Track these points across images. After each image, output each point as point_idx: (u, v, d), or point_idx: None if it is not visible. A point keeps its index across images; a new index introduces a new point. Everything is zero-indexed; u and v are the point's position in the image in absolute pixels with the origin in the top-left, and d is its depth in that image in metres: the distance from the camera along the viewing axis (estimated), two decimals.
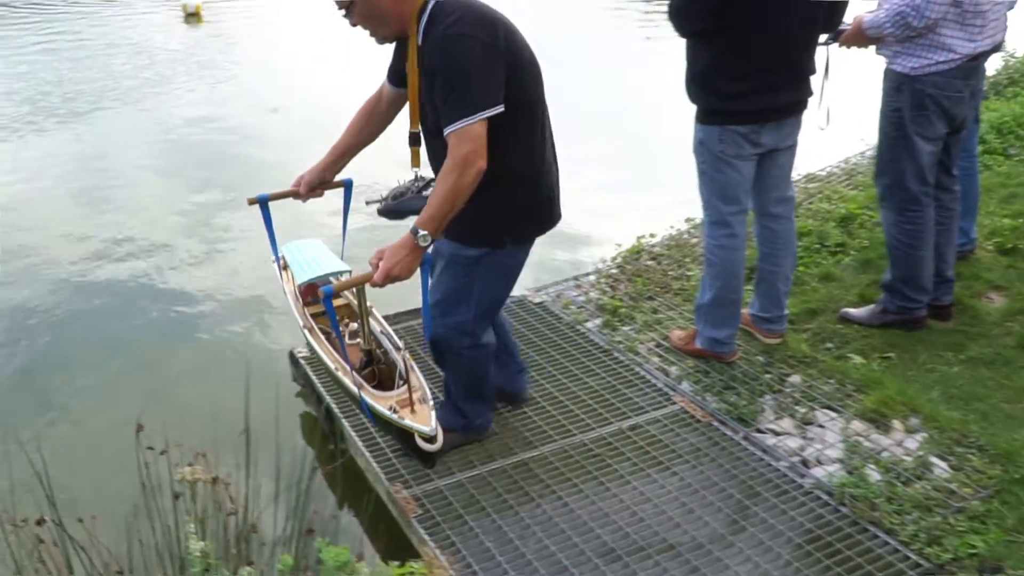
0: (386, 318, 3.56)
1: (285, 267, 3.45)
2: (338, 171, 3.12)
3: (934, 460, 3.15)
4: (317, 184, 3.11)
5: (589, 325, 4.30)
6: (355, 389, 2.88)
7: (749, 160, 3.53)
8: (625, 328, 4.24)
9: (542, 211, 2.93)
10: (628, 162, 7.58)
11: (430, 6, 2.64)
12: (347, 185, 3.19)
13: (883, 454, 3.20)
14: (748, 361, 3.82)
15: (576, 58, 11.98)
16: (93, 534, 1.91)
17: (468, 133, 2.51)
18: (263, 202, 3.17)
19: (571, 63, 11.68)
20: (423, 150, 2.87)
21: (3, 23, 16.02)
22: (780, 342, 3.92)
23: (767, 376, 3.71)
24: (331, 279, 3.23)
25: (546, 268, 5.52)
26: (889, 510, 2.91)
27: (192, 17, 15.94)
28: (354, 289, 3.02)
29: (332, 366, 3.02)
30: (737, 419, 3.45)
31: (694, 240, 5.20)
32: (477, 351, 3.08)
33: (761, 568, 2.71)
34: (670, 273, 4.80)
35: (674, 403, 3.59)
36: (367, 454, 3.37)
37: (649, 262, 4.99)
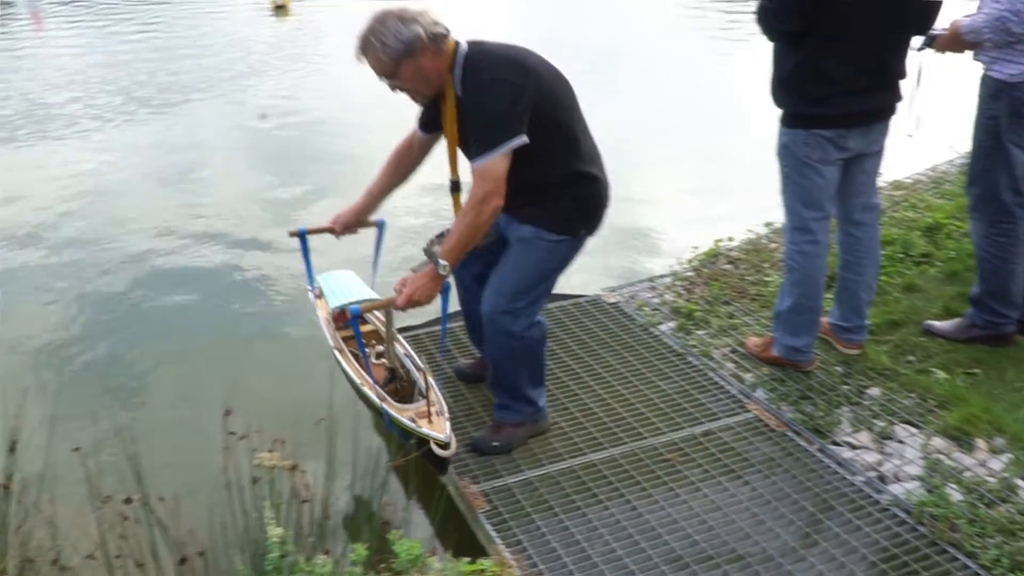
0: (415, 328, 3.98)
1: (320, 295, 3.66)
2: (372, 212, 3.38)
3: (1020, 483, 3.03)
4: (352, 224, 3.37)
5: (663, 328, 4.25)
6: (378, 401, 3.04)
7: (834, 165, 3.45)
8: (700, 332, 4.18)
9: (604, 207, 3.13)
10: (707, 164, 7.48)
11: (460, 59, 2.86)
12: (380, 225, 3.47)
13: (965, 474, 3.09)
14: (826, 371, 3.73)
15: (658, 59, 11.88)
16: (175, 514, 1.95)
17: (489, 171, 2.75)
18: (302, 235, 3.44)
19: (653, 64, 11.60)
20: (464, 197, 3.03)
21: (104, 16, 16.56)
22: (860, 353, 3.82)
23: (845, 387, 3.62)
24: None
25: (622, 268, 5.49)
26: (970, 532, 2.81)
27: (280, 10, 16.25)
28: (381, 314, 3.28)
29: (358, 381, 3.18)
30: (812, 430, 3.37)
31: (773, 245, 5.10)
32: (537, 328, 3.20)
33: None
34: (747, 278, 4.71)
35: (748, 411, 3.52)
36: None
37: (726, 266, 4.91)
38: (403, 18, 2.79)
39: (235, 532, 1.91)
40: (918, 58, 3.53)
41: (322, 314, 3.57)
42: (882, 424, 3.37)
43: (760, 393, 3.64)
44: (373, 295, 3.42)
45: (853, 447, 3.28)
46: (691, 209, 6.40)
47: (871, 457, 3.22)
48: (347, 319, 3.24)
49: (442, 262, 2.81)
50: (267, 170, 7.70)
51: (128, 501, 1.82)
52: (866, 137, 3.42)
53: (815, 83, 3.31)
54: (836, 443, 3.31)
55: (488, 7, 16.86)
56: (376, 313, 3.48)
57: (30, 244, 6.23)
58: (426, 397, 3.01)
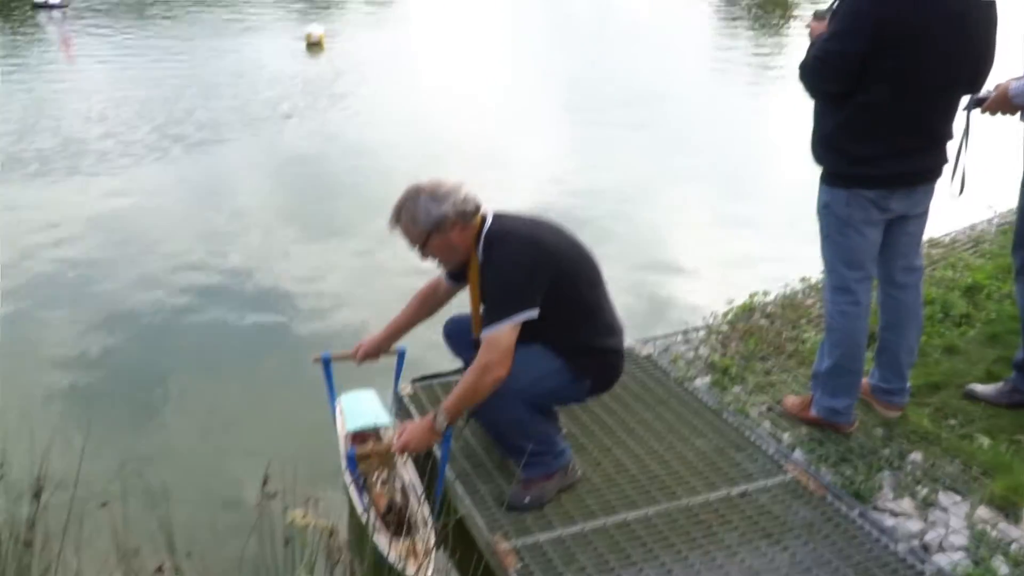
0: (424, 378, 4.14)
1: (341, 412, 3.74)
2: (393, 343, 3.54)
3: None
4: (373, 353, 3.52)
5: (698, 383, 4.19)
6: (371, 530, 3.00)
7: (876, 226, 3.40)
8: (735, 389, 4.12)
9: (617, 377, 3.34)
10: (743, 216, 7.45)
11: (484, 232, 3.02)
12: (400, 353, 3.62)
13: (1012, 545, 3.01)
14: (866, 433, 3.66)
15: (695, 105, 11.89)
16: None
17: (496, 340, 2.87)
18: (326, 361, 3.59)
19: (691, 110, 11.60)
20: None
21: (134, 47, 16.79)
22: (900, 416, 3.75)
23: (886, 451, 3.54)
24: (368, 432, 3.54)
25: (655, 318, 5.45)
26: None
27: (314, 47, 16.46)
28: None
29: (359, 508, 3.19)
30: (853, 494, 3.29)
31: (809, 301, 5.05)
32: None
33: None
34: (784, 334, 4.65)
35: (786, 472, 3.45)
36: (468, 502, 3.33)
37: (762, 321, 4.86)
38: (435, 196, 2.96)
39: None
40: (964, 117, 3.49)
41: (340, 432, 3.64)
42: (925, 491, 3.30)
43: (798, 454, 3.57)
44: (386, 420, 3.54)
45: (895, 514, 3.20)
46: (725, 261, 6.36)
47: (914, 525, 3.14)
48: (362, 440, 3.46)
49: (440, 417, 2.95)
50: (301, 210, 7.75)
51: (160, 570, 1.78)
52: (910, 199, 3.38)
53: (858, 143, 3.28)
54: (877, 509, 3.24)
55: (529, 48, 16.97)
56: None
57: (61, 280, 6.28)
58: (418, 531, 3.01)
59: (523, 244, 2.97)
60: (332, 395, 3.74)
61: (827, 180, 3.44)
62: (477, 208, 3.04)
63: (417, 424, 3.04)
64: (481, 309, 3.09)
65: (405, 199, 3.01)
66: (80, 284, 6.24)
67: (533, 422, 3.17)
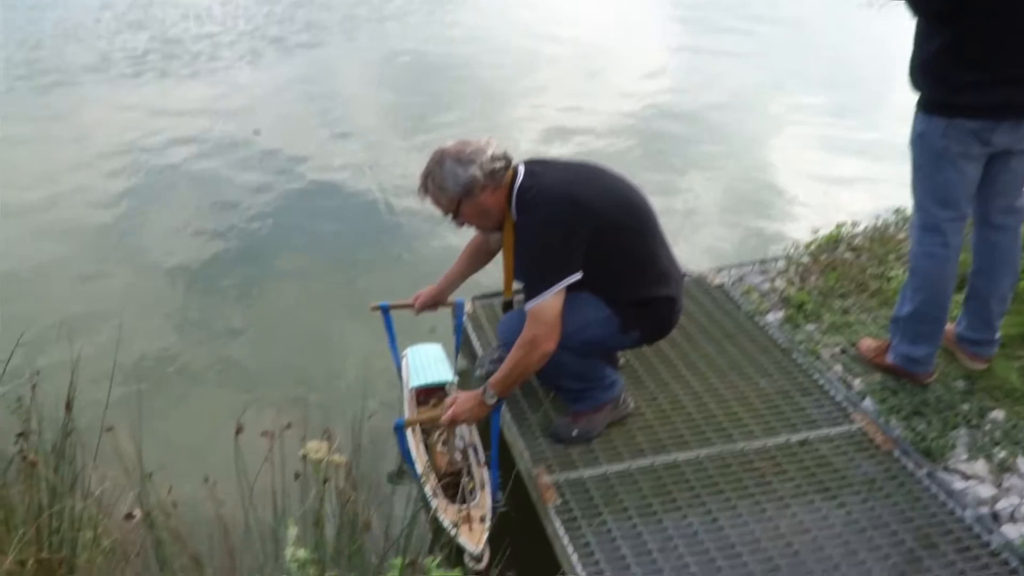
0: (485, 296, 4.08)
1: (407, 367, 3.70)
2: (450, 294, 3.48)
3: None
4: (431, 304, 3.46)
5: (770, 318, 3.98)
6: (429, 493, 2.96)
7: (976, 161, 3.09)
8: (809, 327, 3.90)
9: (671, 326, 3.14)
10: (837, 142, 7.05)
11: (516, 188, 2.83)
12: (458, 305, 3.59)
13: None
14: (945, 385, 3.41)
15: (797, 19, 11.32)
16: (218, 503, 1.84)
17: (541, 313, 2.73)
18: (384, 310, 3.54)
19: (795, 24, 11.04)
20: None
21: None
22: (986, 368, 3.48)
23: (965, 406, 3.29)
24: (434, 388, 3.54)
25: (731, 246, 5.23)
26: None
27: None
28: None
29: (419, 468, 3.12)
30: (923, 452, 3.07)
31: (901, 236, 4.72)
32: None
33: None
34: (868, 270, 4.37)
35: (852, 422, 3.25)
36: (515, 430, 3.24)
37: (847, 254, 4.58)
38: (460, 158, 2.79)
39: (260, 537, 1.80)
40: None
41: (404, 387, 3.60)
42: (1003, 454, 3.06)
43: (868, 403, 3.35)
44: (449, 376, 3.50)
45: (966, 477, 2.98)
46: (814, 188, 6.03)
47: (986, 491, 2.91)
48: (426, 396, 3.48)
49: (489, 391, 2.83)
50: (399, 115, 7.72)
51: (129, 517, 1.71)
52: (1016, 132, 3.04)
53: (961, 68, 2.96)
54: (947, 470, 3.01)
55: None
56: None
57: (156, 176, 6.41)
58: (475, 498, 2.93)
59: (558, 205, 2.76)
60: (393, 343, 3.68)
61: (924, 108, 3.13)
62: (507, 164, 2.86)
63: (467, 397, 2.91)
64: (514, 271, 2.99)
65: (430, 166, 2.85)
66: (184, 179, 6.43)
67: (578, 366, 3.03)
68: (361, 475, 2.00)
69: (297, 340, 4.47)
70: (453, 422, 2.90)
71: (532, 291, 2.76)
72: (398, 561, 1.77)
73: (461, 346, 3.86)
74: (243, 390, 4.05)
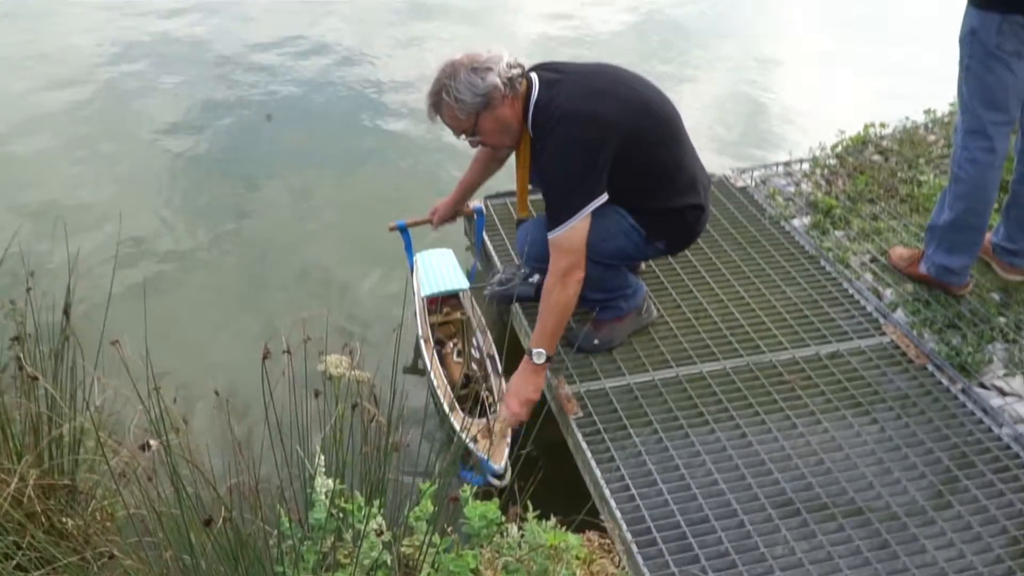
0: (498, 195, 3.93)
1: (417, 275, 3.56)
2: (466, 202, 3.38)
3: None
4: (449, 216, 3.36)
5: (796, 223, 3.83)
6: (446, 407, 2.86)
7: None
8: (837, 233, 3.75)
9: (697, 234, 2.97)
10: (865, 35, 6.76)
11: (533, 102, 2.61)
12: (477, 212, 3.50)
13: None
14: (980, 298, 3.28)
15: None
16: (230, 425, 1.72)
17: (567, 241, 2.57)
18: (402, 229, 3.47)
19: None
20: None
21: None
22: (1023, 280, 3.34)
23: (1001, 320, 3.17)
24: (447, 296, 3.42)
25: (754, 146, 5.04)
26: None
27: None
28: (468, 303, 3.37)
29: (435, 381, 3.00)
30: (958, 367, 2.96)
31: (932, 138, 4.52)
32: None
33: (965, 559, 2.32)
34: (898, 174, 4.19)
35: (884, 334, 3.13)
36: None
37: (875, 157, 4.39)
38: (476, 67, 2.55)
39: (285, 460, 1.68)
40: None
41: (416, 296, 3.44)
42: None
43: (900, 315, 3.23)
44: (463, 283, 3.36)
45: (1003, 393, 2.87)
46: (840, 85, 5.81)
47: None
48: (437, 303, 3.35)
49: (535, 351, 2.66)
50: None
51: (145, 447, 1.58)
52: None
53: None
54: (983, 386, 2.91)
55: None
56: (467, 302, 3.41)
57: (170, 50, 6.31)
58: (496, 412, 2.79)
59: (580, 127, 2.55)
60: (411, 258, 3.56)
61: (977, 2, 2.90)
62: (523, 71, 2.63)
63: (517, 375, 2.71)
64: (529, 188, 2.88)
65: (442, 80, 2.59)
66: (187, 56, 6.28)
67: (600, 278, 2.87)
68: (383, 393, 1.86)
69: (313, 247, 4.34)
70: (522, 409, 2.68)
71: (556, 218, 2.59)
72: (427, 486, 1.65)
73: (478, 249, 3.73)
74: (254, 297, 3.93)
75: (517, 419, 2.68)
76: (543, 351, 2.66)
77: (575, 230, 2.57)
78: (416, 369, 3.37)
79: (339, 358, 1.82)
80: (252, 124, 5.47)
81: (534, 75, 2.66)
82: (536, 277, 3.02)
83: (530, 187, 2.92)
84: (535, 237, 2.83)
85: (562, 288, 2.61)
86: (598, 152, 2.56)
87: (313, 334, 1.76)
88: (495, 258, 3.60)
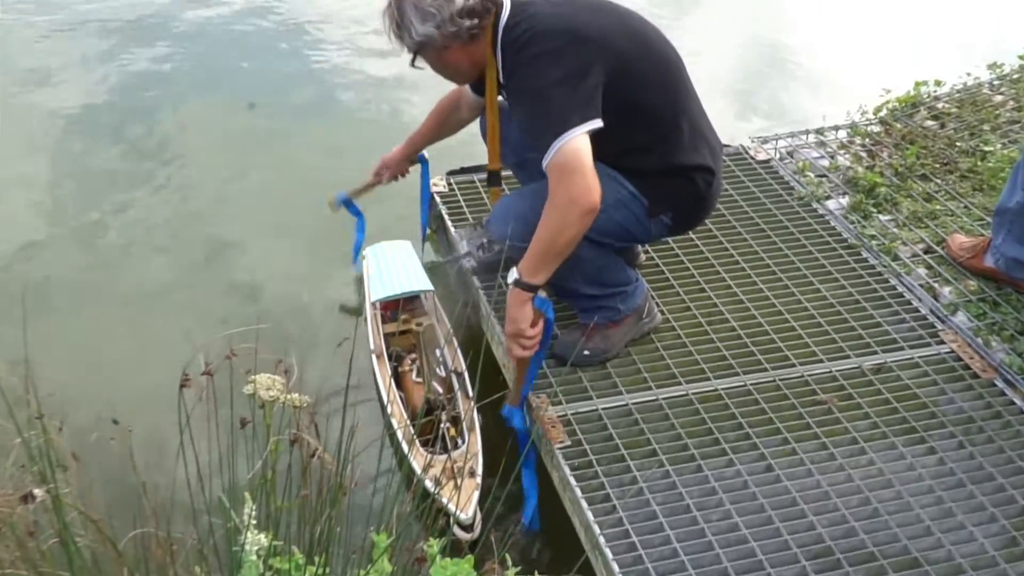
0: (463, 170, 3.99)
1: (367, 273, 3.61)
2: (418, 154, 3.58)
3: None
4: (400, 169, 3.57)
5: (831, 205, 3.87)
6: (403, 443, 2.91)
7: None
8: (883, 217, 3.79)
9: (707, 207, 3.06)
10: None
11: (501, 29, 2.71)
12: (421, 159, 3.62)
13: None
14: None
15: None
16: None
17: (569, 160, 2.53)
18: (346, 203, 3.66)
19: None
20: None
21: None
22: None
23: None
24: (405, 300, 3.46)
25: (778, 108, 5.08)
26: None
27: None
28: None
29: (388, 407, 3.05)
30: None
31: (998, 98, 4.60)
32: None
33: None
34: (958, 144, 4.25)
35: (942, 342, 3.17)
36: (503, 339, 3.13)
37: (929, 122, 4.45)
38: (419, 8, 2.69)
39: (203, 508, 1.66)
40: None
41: (367, 300, 3.49)
42: None
43: (961, 318, 3.28)
44: (425, 284, 3.42)
45: None
46: (885, 33, 5.87)
47: None
48: (394, 309, 3.39)
49: (513, 272, 2.64)
50: None
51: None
52: None
53: None
54: None
55: None
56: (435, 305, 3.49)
57: None
58: (460, 446, 2.87)
59: (558, 37, 2.61)
60: (359, 248, 3.65)
61: None
62: (482, 16, 2.71)
63: (507, 308, 2.72)
64: (501, 134, 2.96)
65: (389, 7, 2.77)
66: None
67: (595, 264, 2.89)
68: (330, 418, 1.86)
69: (234, 234, 4.31)
70: (516, 341, 2.71)
71: (548, 139, 2.56)
72: (382, 538, 1.64)
73: (432, 231, 3.79)
74: (161, 301, 3.90)
75: (519, 352, 2.74)
76: (519, 274, 2.63)
77: (574, 145, 2.53)
78: (373, 388, 3.36)
79: (271, 378, 1.79)
80: (141, 74, 5.43)
81: (507, 3, 2.73)
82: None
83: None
84: (520, 209, 2.82)
85: (563, 214, 2.55)
86: (583, 65, 2.59)
87: (238, 347, 1.74)
88: (452, 232, 3.66)
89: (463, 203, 3.85)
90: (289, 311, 3.79)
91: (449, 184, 3.93)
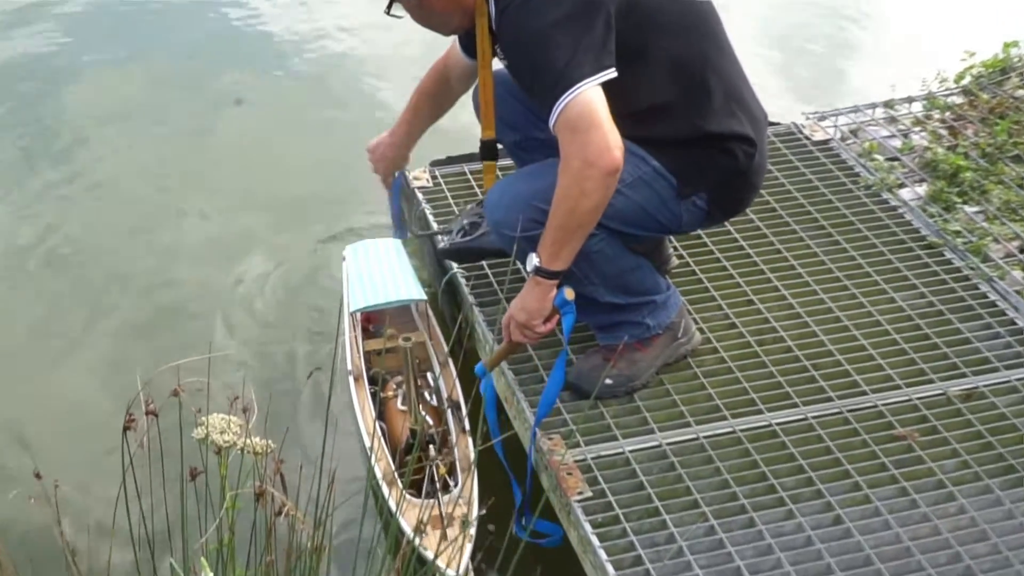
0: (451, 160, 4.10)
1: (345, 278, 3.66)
2: (413, 146, 3.54)
3: None
4: (399, 165, 3.55)
5: (905, 195, 3.91)
6: (383, 485, 2.97)
7: None
8: (969, 209, 3.83)
9: (751, 189, 3.10)
10: None
11: None
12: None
13: None
14: None
15: None
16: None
17: (581, 116, 2.55)
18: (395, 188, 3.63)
19: None
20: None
21: None
22: None
23: None
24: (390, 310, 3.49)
25: (837, 79, 5.10)
26: None
27: None
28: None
29: (367, 442, 3.08)
30: None
31: None
32: None
33: None
34: None
35: None
36: (511, 378, 3.17)
37: (1022, 91, 4.48)
38: None
39: None
40: None
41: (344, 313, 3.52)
42: None
43: None
44: (417, 293, 3.46)
45: None
46: None
47: None
48: (378, 323, 3.47)
49: (533, 258, 2.71)
50: None
51: None
52: None
53: None
54: None
55: None
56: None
57: None
58: (454, 486, 2.92)
59: None
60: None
61: None
62: None
63: (519, 296, 2.82)
64: (497, 109, 3.01)
65: None
66: None
67: (614, 262, 2.91)
68: (298, 463, 1.88)
69: (179, 240, 4.38)
70: (524, 331, 2.82)
71: (554, 94, 2.58)
72: None
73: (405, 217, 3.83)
74: (93, 326, 3.93)
75: (515, 341, 2.88)
76: (536, 259, 2.70)
77: (586, 99, 2.56)
78: (352, 421, 3.38)
79: (226, 419, 1.81)
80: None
81: None
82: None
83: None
84: (520, 192, 2.87)
85: (576, 180, 2.58)
86: (592, 6, 2.62)
87: (186, 381, 1.76)
88: (431, 220, 3.76)
89: (451, 200, 3.87)
90: (252, 331, 3.86)
91: (433, 177, 3.95)
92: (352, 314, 3.41)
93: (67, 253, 4.31)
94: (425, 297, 3.44)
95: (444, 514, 2.75)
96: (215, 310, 3.97)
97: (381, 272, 3.48)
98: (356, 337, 3.41)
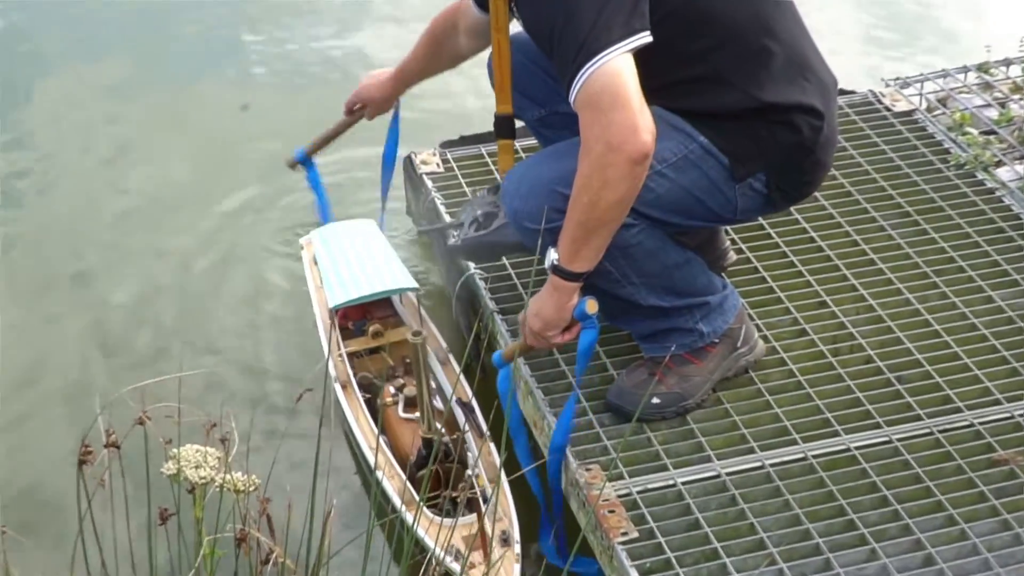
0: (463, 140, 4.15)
1: (315, 262, 3.70)
2: (407, 89, 3.73)
3: None
4: (387, 105, 3.75)
5: (1004, 175, 3.92)
6: (399, 504, 2.95)
7: None
8: None
9: (820, 169, 3.07)
10: None
11: None
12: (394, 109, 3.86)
13: None
14: None
15: None
16: None
17: (599, 91, 2.54)
18: (305, 163, 3.86)
19: None
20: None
21: None
22: None
23: None
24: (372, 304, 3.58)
25: (917, 37, 5.09)
26: None
27: None
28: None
29: (370, 456, 3.03)
30: None
31: None
32: None
33: None
34: None
35: None
36: (539, 397, 3.18)
37: None
38: None
39: None
40: None
41: (316, 299, 3.60)
42: None
43: None
44: (407, 282, 3.52)
45: None
46: None
47: None
48: (359, 318, 3.51)
49: (552, 253, 2.75)
50: None
51: None
52: None
53: None
54: None
55: None
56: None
57: None
58: (490, 502, 2.87)
59: None
60: (325, 214, 3.80)
61: None
62: None
63: (537, 298, 2.86)
64: (515, 80, 3.03)
65: None
66: None
67: (656, 258, 2.92)
68: (286, 500, 1.88)
69: (136, 236, 4.43)
70: (541, 335, 2.87)
71: (577, 65, 2.56)
72: None
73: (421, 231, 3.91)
74: (45, 342, 3.95)
75: (530, 348, 2.98)
76: (555, 258, 2.74)
77: (611, 70, 2.53)
78: (344, 440, 3.39)
79: (201, 451, 1.82)
80: None
81: None
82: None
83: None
84: (542, 177, 2.86)
85: (598, 168, 2.57)
86: None
87: (153, 407, 1.77)
88: (443, 212, 3.78)
89: (466, 188, 3.89)
90: (226, 343, 3.90)
91: (444, 161, 3.95)
92: (331, 311, 3.42)
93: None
94: (417, 285, 3.48)
95: (485, 533, 2.75)
96: (187, 322, 4.00)
97: (359, 259, 3.50)
98: (336, 338, 3.42)
